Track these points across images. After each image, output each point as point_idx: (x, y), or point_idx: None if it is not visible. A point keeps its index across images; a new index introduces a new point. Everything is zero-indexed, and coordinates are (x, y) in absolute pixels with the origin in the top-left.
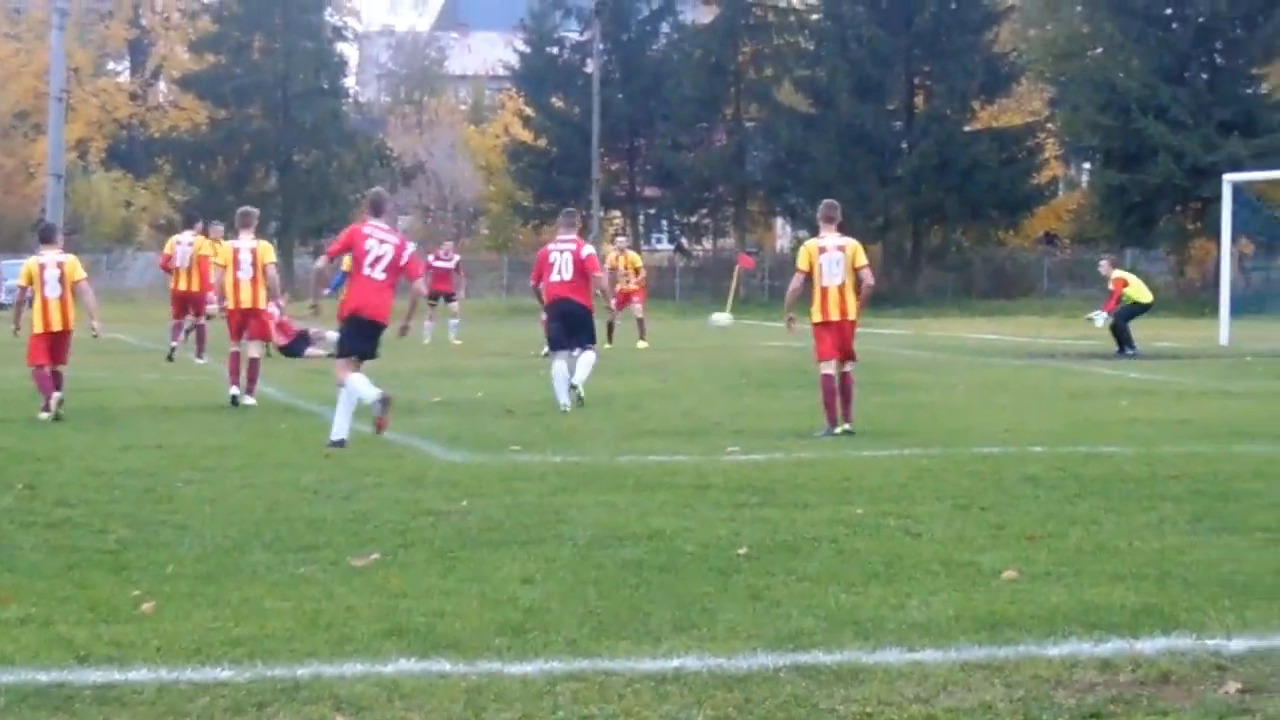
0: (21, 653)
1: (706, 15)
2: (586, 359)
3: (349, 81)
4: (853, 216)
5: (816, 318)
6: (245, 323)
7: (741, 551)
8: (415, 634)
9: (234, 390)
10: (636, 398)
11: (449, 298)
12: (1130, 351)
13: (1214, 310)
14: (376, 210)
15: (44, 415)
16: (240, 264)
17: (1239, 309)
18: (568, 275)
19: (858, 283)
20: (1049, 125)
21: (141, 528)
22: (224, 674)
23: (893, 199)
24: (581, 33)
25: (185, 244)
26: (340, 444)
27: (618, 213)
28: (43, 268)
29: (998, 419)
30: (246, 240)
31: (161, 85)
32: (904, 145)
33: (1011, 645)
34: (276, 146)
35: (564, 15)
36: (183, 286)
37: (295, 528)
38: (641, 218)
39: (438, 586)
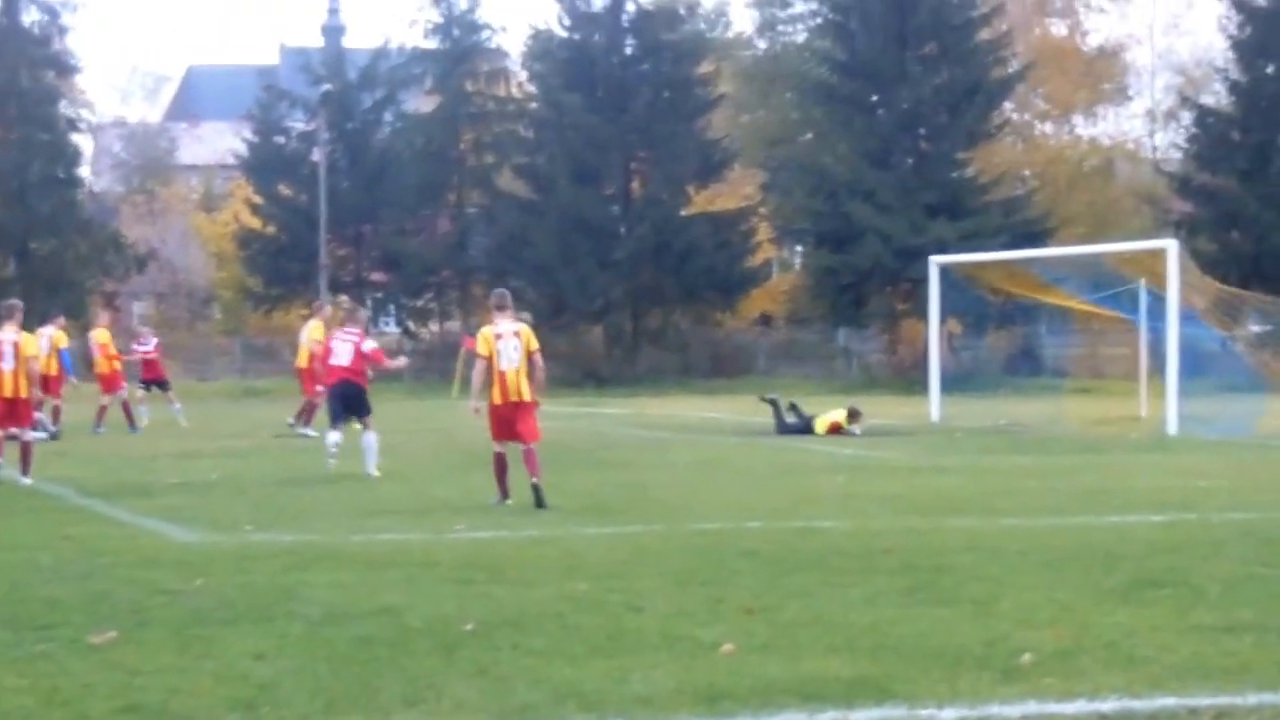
0: None
1: (428, 104)
2: (370, 444)
3: (84, 171)
4: (573, 299)
5: (496, 400)
6: (11, 411)
7: (468, 627)
8: (150, 711)
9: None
10: (367, 478)
11: (161, 384)
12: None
13: (925, 387)
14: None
15: None
16: (3, 355)
17: (949, 386)
18: (346, 361)
19: (531, 367)
20: (762, 209)
21: None
22: None
23: (612, 282)
24: (307, 122)
25: None
26: None
27: (345, 297)
28: None
29: (717, 495)
30: (10, 333)
31: None
32: (622, 229)
33: (729, 717)
34: (14, 235)
35: (290, 105)
36: None
37: (33, 607)
38: (369, 302)
39: (173, 664)
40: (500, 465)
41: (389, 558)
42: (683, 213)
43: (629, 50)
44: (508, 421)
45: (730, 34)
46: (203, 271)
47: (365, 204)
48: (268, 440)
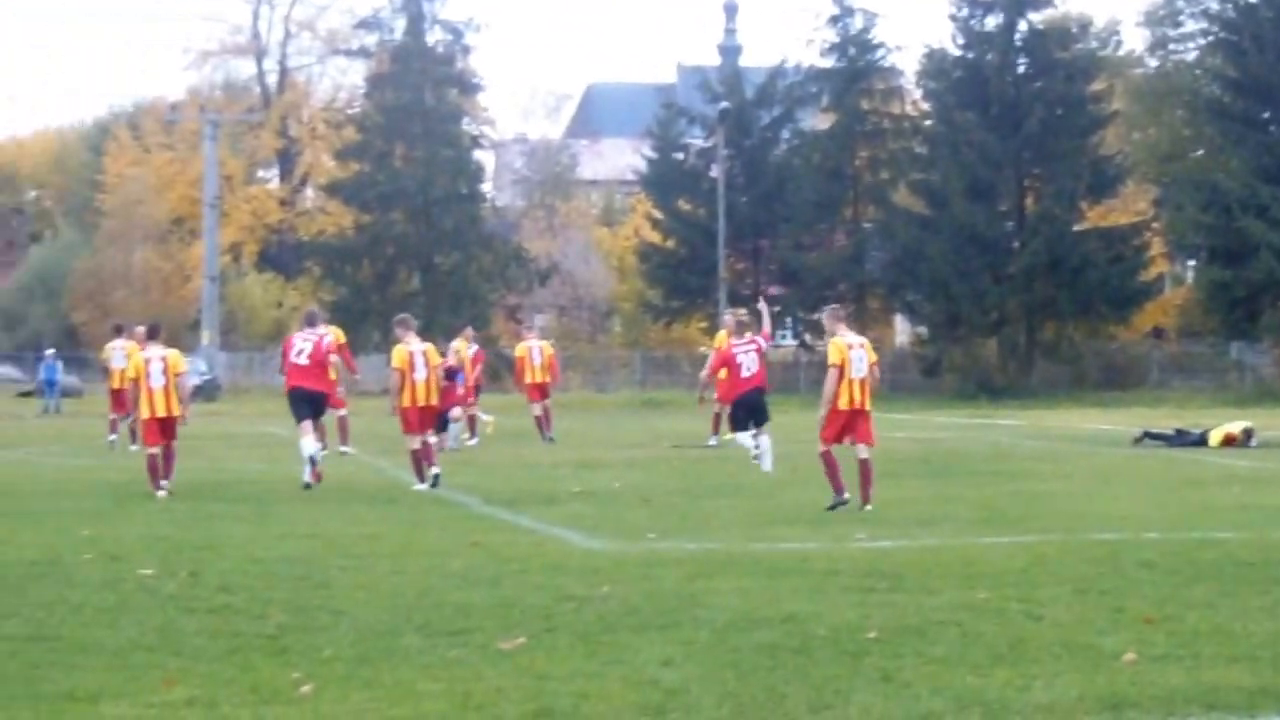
0: None
1: (825, 122)
2: (767, 441)
3: (486, 187)
4: (968, 312)
5: (842, 405)
6: (427, 418)
7: (871, 635)
8: (562, 715)
9: (436, 470)
10: (767, 487)
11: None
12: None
13: None
14: (310, 322)
15: (160, 494)
16: (416, 365)
17: None
18: (756, 369)
19: (870, 376)
20: (1154, 224)
21: (299, 613)
22: None
23: (1006, 295)
24: (706, 139)
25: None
26: (307, 486)
27: (744, 310)
28: (148, 361)
29: (1113, 506)
30: (417, 344)
31: (309, 191)
32: (1016, 244)
33: None
34: (419, 249)
35: (689, 123)
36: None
37: (445, 613)
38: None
39: (582, 669)
40: (833, 464)
41: (791, 565)
42: (1076, 228)
43: (1022, 68)
44: (848, 426)
45: (1121, 52)
46: (603, 285)
47: (763, 219)
48: (667, 451)
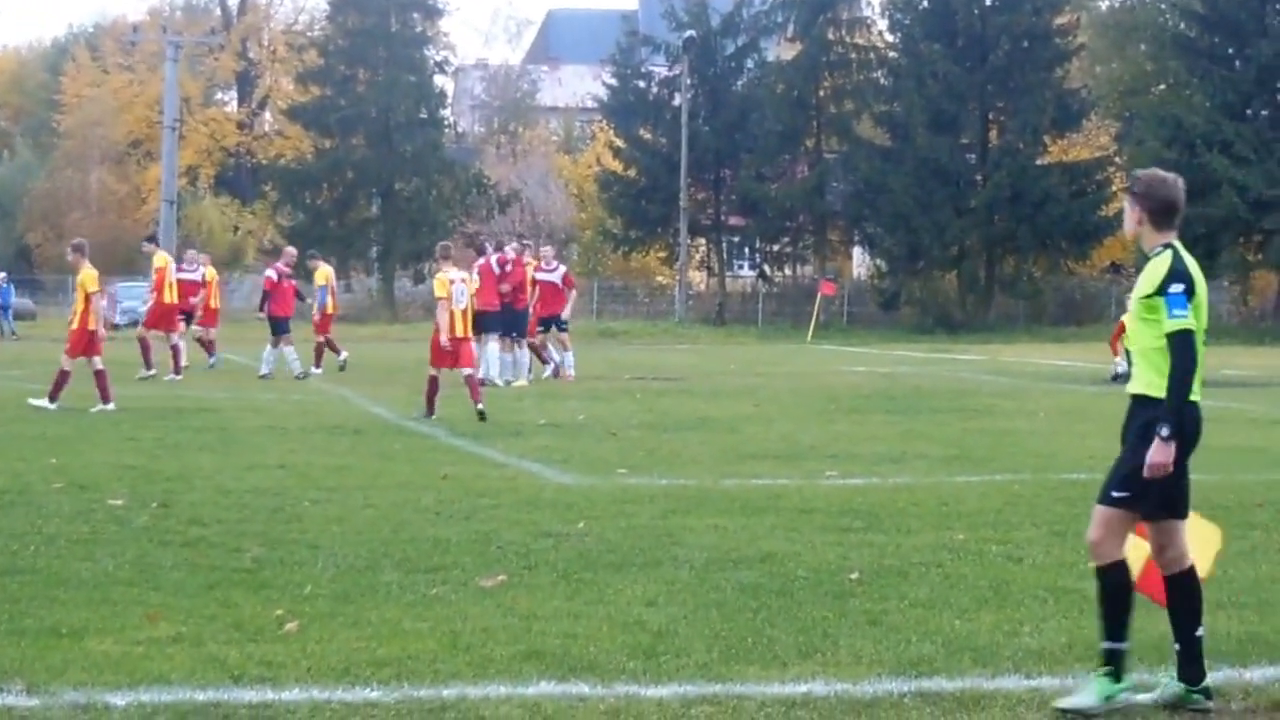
0: (177, 671)
1: (789, 52)
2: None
3: (446, 113)
4: (929, 246)
5: (458, 332)
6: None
7: (853, 576)
8: (552, 656)
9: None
10: (733, 422)
11: (560, 323)
12: None
13: (1276, 338)
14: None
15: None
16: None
17: None
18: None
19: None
20: (1116, 159)
21: (275, 547)
22: (373, 694)
23: (967, 229)
24: (669, 68)
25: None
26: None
27: (703, 240)
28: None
29: (1081, 445)
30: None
31: (268, 115)
32: (978, 177)
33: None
34: (379, 175)
35: (651, 51)
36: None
37: (422, 548)
38: (725, 245)
39: (566, 609)
40: (435, 387)
41: (765, 503)
42: (1039, 162)
43: (989, 1)
44: (458, 351)
45: None
46: (563, 213)
47: (725, 149)
48: (628, 382)
